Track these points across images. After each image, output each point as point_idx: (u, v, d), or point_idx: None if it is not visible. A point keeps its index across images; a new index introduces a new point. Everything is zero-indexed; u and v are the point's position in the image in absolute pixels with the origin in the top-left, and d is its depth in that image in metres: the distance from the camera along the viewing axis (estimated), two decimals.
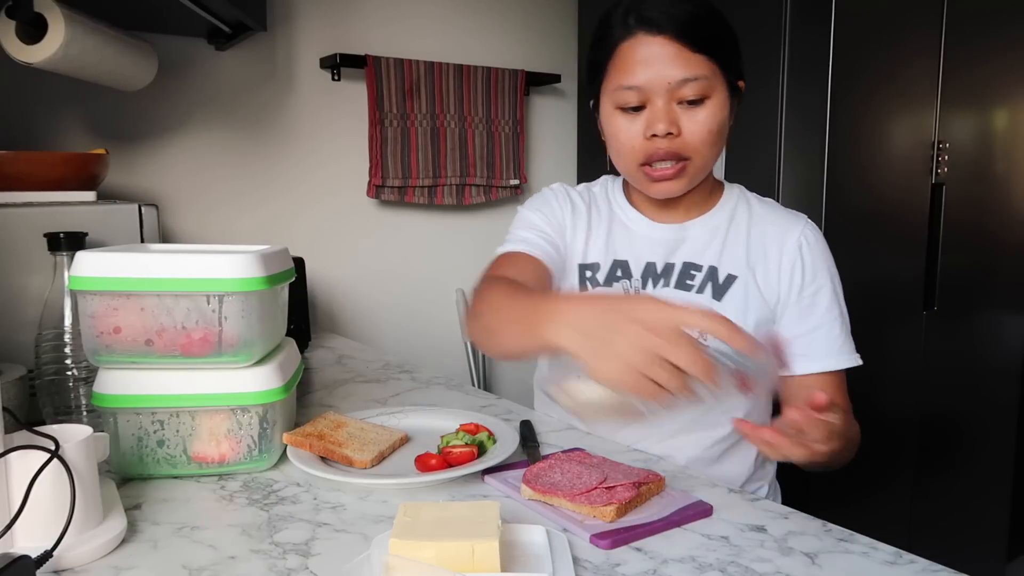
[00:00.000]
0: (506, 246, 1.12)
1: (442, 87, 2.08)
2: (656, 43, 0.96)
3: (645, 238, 1.11)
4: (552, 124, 2.38)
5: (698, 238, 1.10)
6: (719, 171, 1.79)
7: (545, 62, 2.32)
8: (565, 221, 1.13)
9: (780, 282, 1.08)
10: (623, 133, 1.01)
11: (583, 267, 1.11)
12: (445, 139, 2.10)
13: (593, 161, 2.32)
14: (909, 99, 1.89)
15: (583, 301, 0.71)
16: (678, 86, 0.97)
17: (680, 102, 0.98)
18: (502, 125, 2.20)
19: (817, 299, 1.07)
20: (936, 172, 1.96)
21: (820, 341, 1.06)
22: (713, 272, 1.08)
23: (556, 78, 2.28)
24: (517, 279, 0.98)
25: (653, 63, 0.96)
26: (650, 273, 1.09)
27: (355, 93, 2.02)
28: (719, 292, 1.07)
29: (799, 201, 1.72)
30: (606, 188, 1.18)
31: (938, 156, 1.95)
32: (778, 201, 1.19)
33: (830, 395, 1.08)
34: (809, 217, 1.16)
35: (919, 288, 2.00)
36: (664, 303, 0.65)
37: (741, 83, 1.04)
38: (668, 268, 1.09)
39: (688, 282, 1.07)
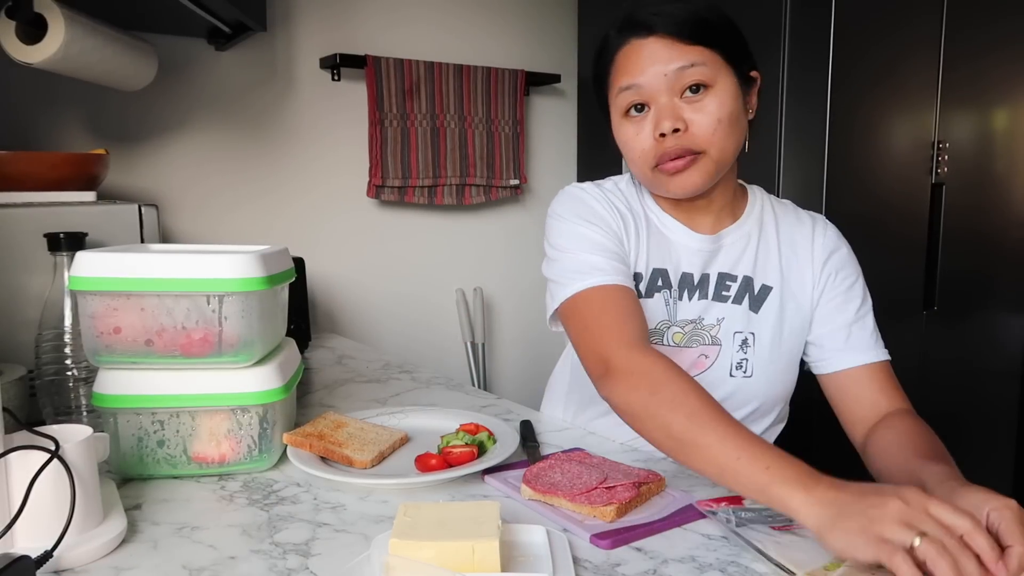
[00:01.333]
0: (591, 277, 0.99)
1: (442, 87, 2.08)
2: (647, 43, 0.96)
3: (683, 247, 1.07)
4: (552, 124, 2.38)
5: (732, 247, 1.07)
6: None
7: (545, 62, 2.32)
8: (621, 233, 1.05)
9: (815, 283, 1.08)
10: (632, 139, 0.99)
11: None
12: (445, 139, 2.10)
13: (593, 161, 2.32)
14: (909, 99, 1.89)
15: (836, 492, 0.69)
16: (676, 76, 0.95)
17: (682, 95, 0.95)
18: (502, 125, 2.20)
19: (853, 290, 1.08)
20: (936, 172, 1.96)
21: (860, 335, 1.06)
22: (748, 283, 1.06)
23: (556, 78, 2.28)
24: (636, 329, 0.94)
25: (647, 60, 0.96)
26: (686, 284, 1.06)
27: (355, 93, 2.02)
28: (756, 303, 1.06)
29: (799, 201, 1.71)
30: (636, 189, 1.11)
31: (938, 156, 1.95)
32: None
33: (892, 391, 1.03)
34: None
35: (919, 288, 2.00)
36: (920, 491, 0.66)
37: (754, 73, 1.01)
38: (704, 279, 1.06)
39: (724, 293, 1.06)
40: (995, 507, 0.67)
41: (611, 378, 0.90)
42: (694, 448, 0.80)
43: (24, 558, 0.63)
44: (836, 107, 1.70)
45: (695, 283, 1.06)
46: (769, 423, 1.10)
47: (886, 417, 1.00)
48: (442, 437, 0.98)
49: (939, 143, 1.95)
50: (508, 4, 2.26)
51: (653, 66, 0.96)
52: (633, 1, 1.00)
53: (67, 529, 0.69)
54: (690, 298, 1.06)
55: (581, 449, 1.00)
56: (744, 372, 1.04)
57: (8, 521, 0.68)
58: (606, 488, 0.82)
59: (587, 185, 1.10)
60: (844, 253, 1.10)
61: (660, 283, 1.05)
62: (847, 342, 1.05)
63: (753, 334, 1.05)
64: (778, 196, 1.70)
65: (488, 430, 1.00)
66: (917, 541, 0.62)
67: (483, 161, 2.17)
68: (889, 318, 1.96)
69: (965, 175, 2.04)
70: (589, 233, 1.03)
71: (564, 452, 0.97)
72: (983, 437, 2.26)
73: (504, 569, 0.65)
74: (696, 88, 0.95)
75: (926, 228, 1.98)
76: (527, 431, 1.09)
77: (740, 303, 1.06)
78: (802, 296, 1.08)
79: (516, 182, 2.24)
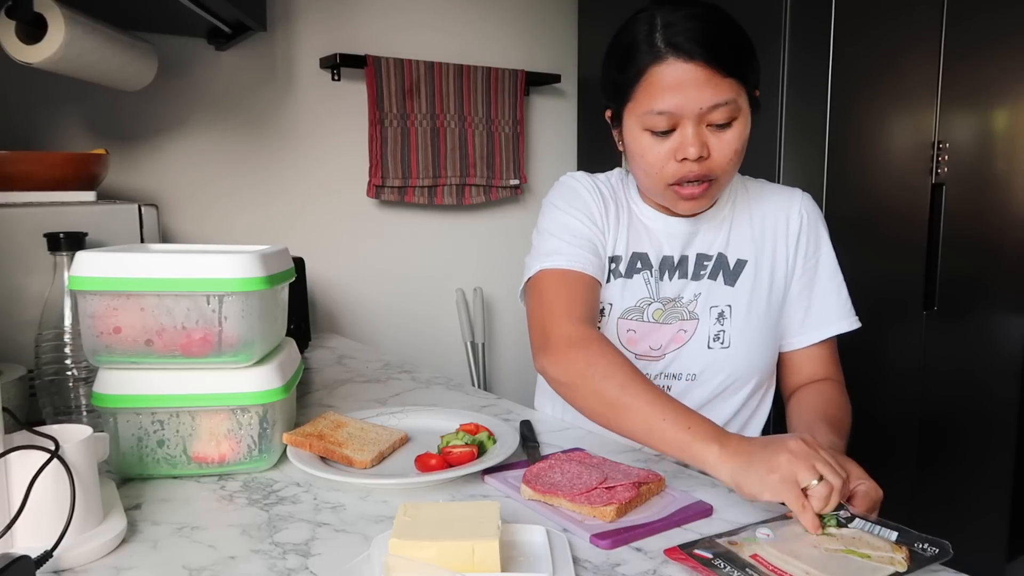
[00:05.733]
0: (553, 260, 1.07)
1: (442, 87, 2.08)
2: (688, 68, 0.94)
3: (662, 232, 1.12)
4: (552, 124, 2.38)
5: (708, 230, 1.12)
6: None
7: (545, 62, 2.32)
8: (602, 218, 1.11)
9: (788, 254, 1.12)
10: (651, 155, 1.00)
11: (609, 260, 1.12)
12: (445, 139, 2.10)
13: (593, 161, 2.32)
14: (909, 99, 1.89)
15: (746, 445, 0.80)
16: (709, 111, 0.96)
17: (709, 125, 0.97)
18: (502, 125, 2.20)
19: (820, 266, 1.13)
20: (936, 172, 1.96)
21: (830, 307, 1.12)
22: (723, 259, 1.11)
23: (556, 78, 2.28)
24: (583, 310, 1.02)
25: (684, 88, 0.95)
26: (667, 266, 1.11)
27: (355, 93, 2.02)
28: (731, 278, 1.10)
29: None
30: (622, 182, 1.17)
31: (938, 156, 1.95)
32: None
33: (829, 364, 1.13)
34: None
35: (919, 288, 2.00)
36: (810, 439, 0.78)
37: (756, 92, 1.04)
38: (683, 260, 1.11)
39: (701, 272, 1.11)
40: (858, 478, 0.84)
41: (550, 351, 0.99)
42: (625, 411, 0.89)
43: (24, 558, 0.63)
44: (836, 107, 1.70)
45: (675, 264, 1.11)
46: (744, 397, 1.11)
47: (815, 381, 1.12)
48: (442, 437, 0.98)
49: (939, 143, 1.95)
50: (508, 4, 2.26)
51: (690, 97, 0.95)
52: (656, 6, 0.99)
53: (67, 529, 0.69)
54: (671, 278, 1.11)
55: (581, 449, 1.00)
56: (721, 343, 1.08)
57: (8, 521, 0.68)
58: (606, 488, 0.82)
59: (580, 174, 1.16)
60: (819, 227, 1.15)
61: (640, 265, 1.11)
62: (820, 315, 1.12)
63: (730, 306, 1.09)
64: None
65: (488, 430, 1.01)
66: (815, 483, 0.74)
67: (483, 161, 2.17)
68: (889, 318, 1.97)
69: (965, 175, 2.03)
70: (568, 220, 1.10)
71: (564, 452, 0.97)
72: (983, 437, 2.26)
73: (504, 569, 0.65)
74: (722, 124, 0.97)
75: (926, 228, 1.97)
76: (527, 431, 1.09)
77: (715, 278, 1.10)
78: (777, 267, 1.12)
79: (516, 182, 2.24)
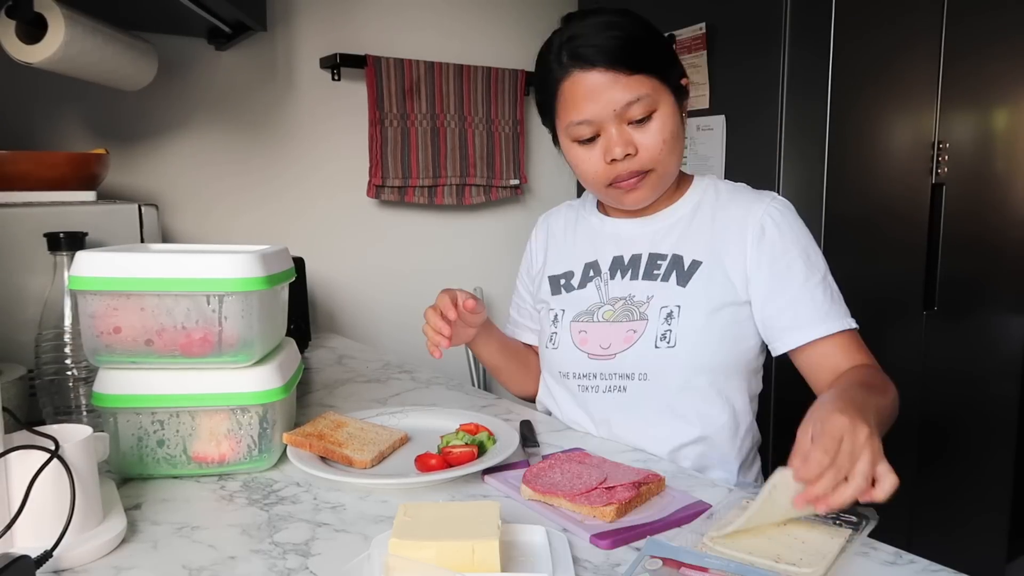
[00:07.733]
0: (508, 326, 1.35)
1: (442, 87, 2.08)
2: (591, 76, 1.01)
3: (611, 235, 1.16)
4: None
5: (660, 229, 1.13)
6: (718, 172, 1.79)
7: None
8: (536, 263, 1.28)
9: (747, 261, 1.06)
10: (584, 163, 1.07)
11: (554, 277, 1.20)
12: (445, 139, 2.10)
13: None
14: (909, 99, 1.89)
15: None
16: (624, 110, 1.01)
17: (630, 122, 1.02)
18: (502, 125, 2.20)
19: (791, 270, 1.05)
20: (936, 172, 1.96)
21: (804, 311, 1.04)
22: (678, 260, 1.10)
23: None
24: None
25: (594, 95, 1.01)
26: (618, 266, 1.14)
27: (355, 93, 2.02)
28: (683, 278, 1.08)
29: (799, 201, 1.71)
30: (586, 198, 1.25)
31: (938, 156, 1.95)
32: None
33: (842, 360, 1.03)
34: (808, 218, 1.15)
35: (919, 288, 2.00)
36: None
37: (684, 80, 1.08)
38: (635, 259, 1.13)
39: (655, 272, 1.11)
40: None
41: None
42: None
43: (24, 558, 0.63)
44: (836, 108, 1.70)
45: (626, 263, 1.13)
46: (704, 397, 1.06)
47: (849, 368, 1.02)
48: (442, 437, 0.98)
49: (939, 143, 1.95)
50: (508, 4, 2.26)
51: (600, 101, 1.01)
52: (565, 23, 1.06)
53: (67, 529, 0.69)
54: (622, 277, 1.13)
55: (581, 449, 1.00)
56: (668, 343, 1.05)
57: (8, 521, 0.68)
58: (606, 488, 0.82)
59: (541, 218, 1.31)
60: (785, 231, 1.07)
61: (592, 273, 1.16)
62: (795, 319, 1.04)
63: (679, 306, 1.06)
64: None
65: (488, 430, 1.01)
66: None
67: (483, 161, 2.17)
68: (889, 318, 1.97)
69: (965, 175, 2.03)
70: (520, 288, 1.33)
71: (564, 452, 0.97)
72: (983, 437, 2.26)
73: (504, 569, 0.65)
74: (642, 118, 1.02)
75: (926, 228, 1.97)
76: (527, 431, 1.09)
77: (668, 279, 1.10)
78: (734, 273, 1.06)
79: (516, 182, 2.24)
